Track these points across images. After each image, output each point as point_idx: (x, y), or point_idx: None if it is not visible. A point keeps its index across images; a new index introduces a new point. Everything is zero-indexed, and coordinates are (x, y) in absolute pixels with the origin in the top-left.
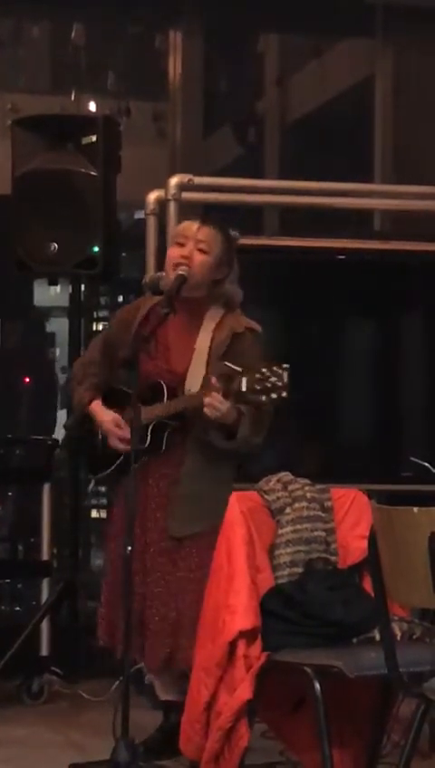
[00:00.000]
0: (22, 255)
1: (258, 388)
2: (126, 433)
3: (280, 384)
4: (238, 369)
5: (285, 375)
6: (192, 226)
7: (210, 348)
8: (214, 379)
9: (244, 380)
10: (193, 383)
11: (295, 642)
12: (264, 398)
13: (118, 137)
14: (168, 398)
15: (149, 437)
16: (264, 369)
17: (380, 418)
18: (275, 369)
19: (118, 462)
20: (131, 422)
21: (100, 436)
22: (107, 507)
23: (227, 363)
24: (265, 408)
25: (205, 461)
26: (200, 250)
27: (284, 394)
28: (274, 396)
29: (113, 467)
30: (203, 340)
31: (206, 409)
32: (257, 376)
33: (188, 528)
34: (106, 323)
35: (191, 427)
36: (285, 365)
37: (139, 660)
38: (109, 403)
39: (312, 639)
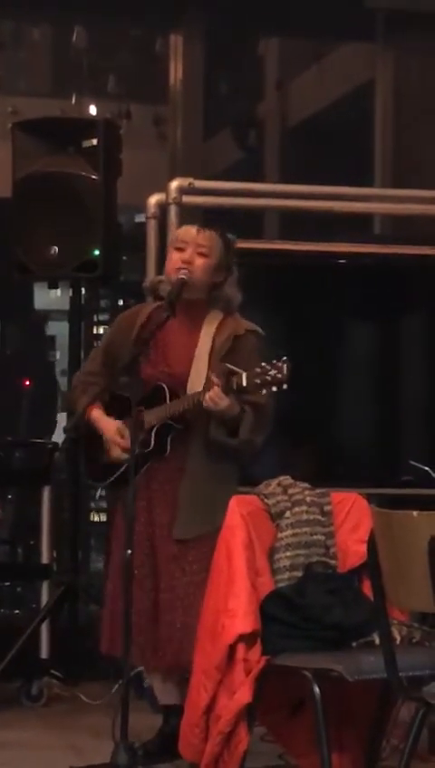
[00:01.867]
0: (22, 258)
1: (258, 382)
2: (128, 442)
3: (280, 376)
4: (237, 369)
5: (285, 367)
6: (191, 231)
7: (211, 350)
8: (214, 377)
9: (244, 376)
10: (195, 385)
11: (295, 646)
12: (264, 391)
13: (118, 140)
14: (170, 401)
15: (153, 441)
16: (263, 364)
17: (379, 422)
18: (274, 362)
19: (120, 470)
20: (132, 429)
21: (103, 445)
22: (107, 513)
23: (228, 365)
24: (263, 406)
25: (208, 463)
26: (201, 254)
27: (284, 386)
28: (274, 388)
29: (116, 475)
30: (204, 343)
31: (205, 403)
32: (257, 370)
33: (192, 530)
34: (106, 327)
35: (195, 430)
36: (284, 358)
37: (141, 664)
38: (111, 410)
39: (311, 643)
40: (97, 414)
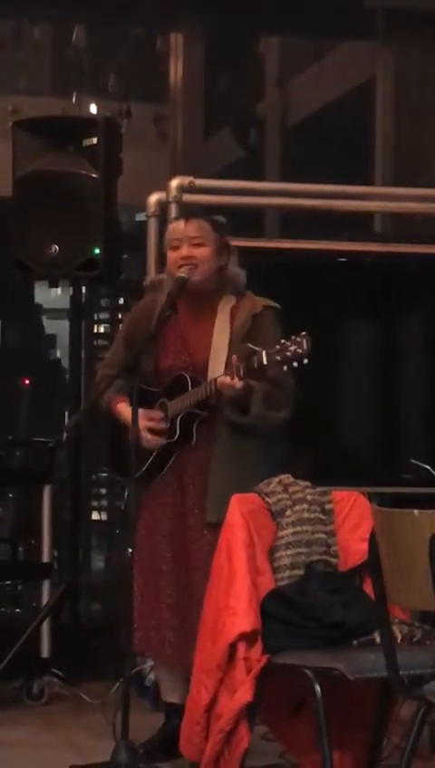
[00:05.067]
0: (23, 257)
1: (279, 359)
2: (159, 423)
3: (300, 351)
4: (257, 348)
5: (305, 342)
6: (179, 226)
7: (231, 332)
8: (235, 359)
9: (263, 354)
10: (216, 371)
11: (296, 644)
12: (286, 367)
13: (119, 139)
14: (192, 389)
15: (178, 430)
16: (283, 341)
17: (380, 421)
18: (293, 338)
19: (150, 460)
20: (132, 431)
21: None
22: (127, 507)
23: (249, 345)
24: (281, 381)
25: (235, 446)
26: (197, 245)
27: (305, 361)
28: (295, 364)
29: (147, 465)
30: (221, 327)
31: (220, 389)
32: (277, 347)
33: (224, 513)
34: (107, 326)
35: (220, 415)
36: (303, 333)
37: (178, 662)
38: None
39: (312, 642)
40: (122, 406)
